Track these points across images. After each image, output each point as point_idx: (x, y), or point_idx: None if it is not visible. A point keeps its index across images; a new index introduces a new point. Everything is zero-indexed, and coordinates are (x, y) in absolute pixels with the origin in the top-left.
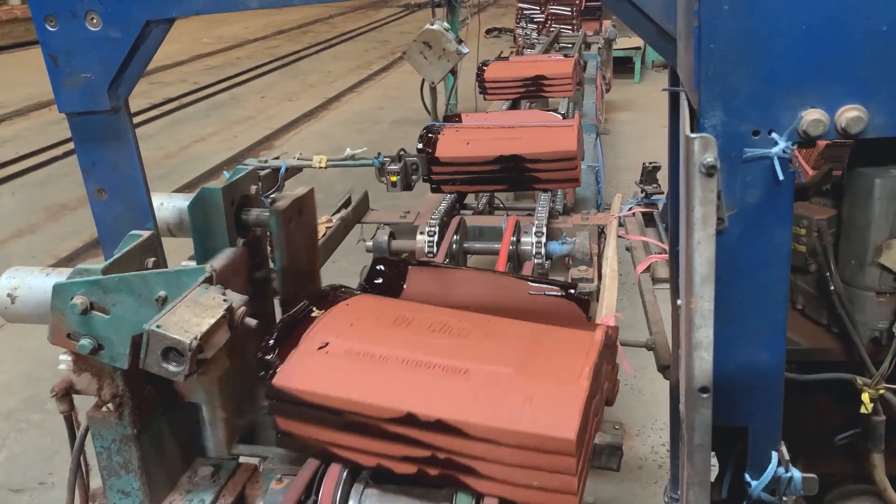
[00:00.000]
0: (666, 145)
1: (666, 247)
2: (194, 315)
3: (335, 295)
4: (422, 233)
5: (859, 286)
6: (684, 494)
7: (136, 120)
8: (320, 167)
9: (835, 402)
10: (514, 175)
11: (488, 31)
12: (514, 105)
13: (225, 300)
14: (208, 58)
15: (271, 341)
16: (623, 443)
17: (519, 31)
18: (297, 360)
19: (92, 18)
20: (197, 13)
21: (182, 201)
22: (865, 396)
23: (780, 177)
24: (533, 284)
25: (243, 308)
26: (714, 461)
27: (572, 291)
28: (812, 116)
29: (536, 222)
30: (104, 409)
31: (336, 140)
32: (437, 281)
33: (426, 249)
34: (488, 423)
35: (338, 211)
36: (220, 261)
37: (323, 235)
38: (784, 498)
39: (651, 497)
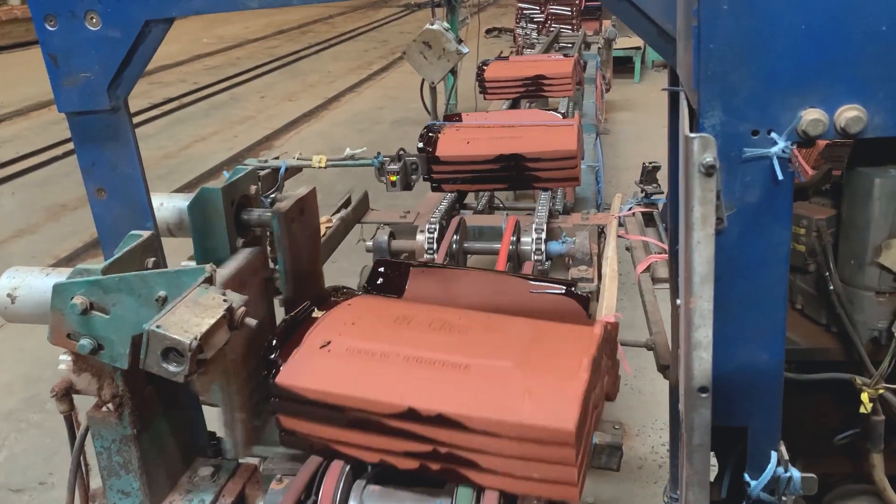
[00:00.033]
0: (665, 145)
1: (666, 246)
2: (194, 315)
3: (336, 296)
4: (422, 232)
5: (859, 286)
6: (684, 494)
7: (136, 120)
8: (320, 167)
9: (834, 402)
10: (515, 174)
11: (488, 31)
12: (514, 105)
13: (225, 300)
14: (208, 58)
15: (274, 341)
16: (623, 443)
17: (519, 30)
18: (300, 358)
19: (91, 18)
20: (196, 13)
21: (182, 201)
22: (864, 396)
23: (780, 176)
24: (534, 283)
25: (243, 308)
26: (713, 461)
27: (573, 289)
28: (811, 116)
29: (536, 222)
30: (104, 409)
31: (336, 140)
32: (438, 282)
33: (426, 249)
34: (488, 415)
35: (338, 211)
36: (235, 262)
37: (323, 235)
38: (783, 498)
39: (651, 497)
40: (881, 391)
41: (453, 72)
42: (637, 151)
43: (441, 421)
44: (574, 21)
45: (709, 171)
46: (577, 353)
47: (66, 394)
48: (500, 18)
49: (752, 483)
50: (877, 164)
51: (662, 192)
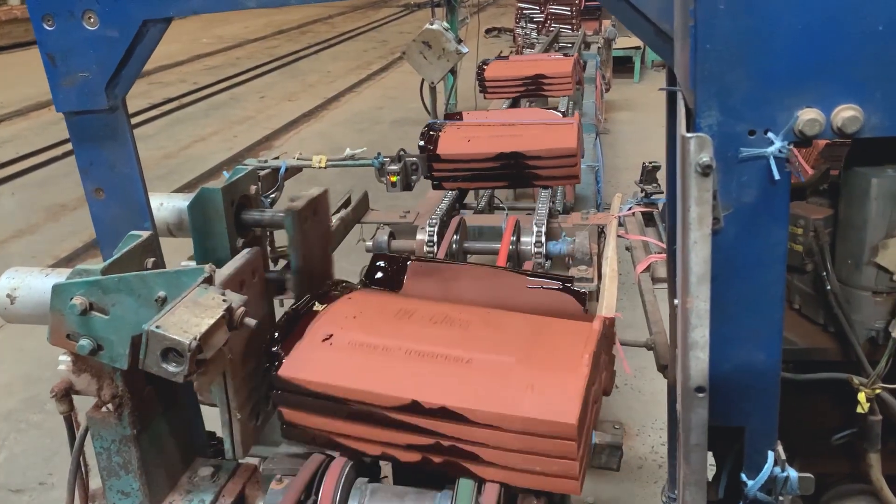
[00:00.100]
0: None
1: (665, 246)
2: (193, 315)
3: (337, 290)
4: (422, 230)
5: (856, 286)
6: (681, 494)
7: (135, 120)
8: (320, 167)
9: (831, 402)
10: (515, 172)
11: (488, 31)
12: (514, 104)
13: (224, 300)
14: (208, 58)
15: (276, 334)
16: (623, 442)
17: (518, 30)
18: (302, 351)
19: (89, 18)
20: (194, 12)
21: (182, 201)
22: (862, 396)
23: (776, 176)
24: (530, 279)
25: (242, 308)
26: (711, 461)
27: (569, 285)
28: (808, 116)
29: (536, 222)
30: (104, 409)
31: (336, 140)
32: (436, 276)
33: (426, 249)
34: (491, 409)
35: (337, 211)
36: (235, 263)
37: None
38: (780, 497)
39: (651, 497)
40: (878, 391)
41: (453, 72)
42: (637, 151)
43: (444, 414)
44: (574, 21)
45: (705, 170)
46: (577, 349)
47: (65, 394)
48: (499, 18)
49: (749, 483)
50: (874, 163)
51: (662, 192)
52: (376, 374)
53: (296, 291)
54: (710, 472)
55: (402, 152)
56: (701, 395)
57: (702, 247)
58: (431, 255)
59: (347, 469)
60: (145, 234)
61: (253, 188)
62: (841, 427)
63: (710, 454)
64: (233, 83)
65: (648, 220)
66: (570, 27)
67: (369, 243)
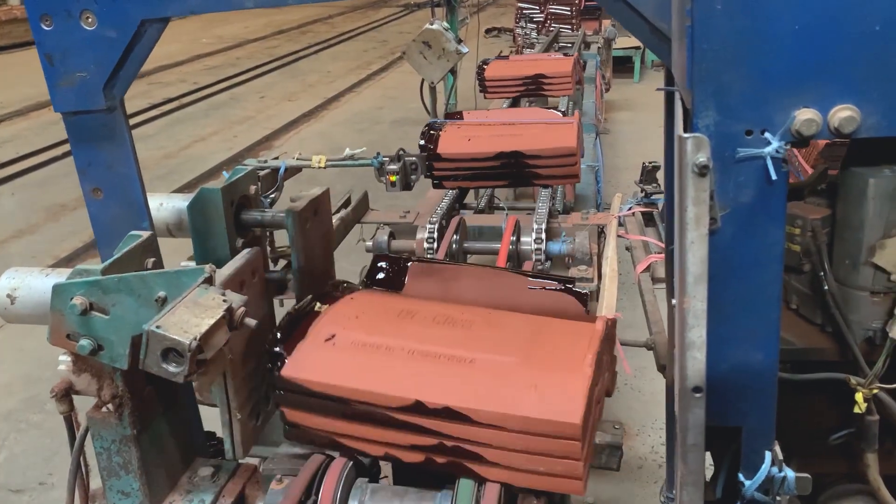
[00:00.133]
0: None
1: (665, 246)
2: (194, 315)
3: (338, 291)
4: (422, 230)
5: (853, 286)
6: (678, 494)
7: (135, 120)
8: (320, 167)
9: (829, 402)
10: (515, 171)
11: (488, 31)
12: (515, 103)
13: (224, 300)
14: (208, 58)
15: (278, 335)
16: (623, 442)
17: (518, 30)
18: (305, 351)
19: (87, 17)
20: (192, 12)
21: (181, 202)
22: (859, 396)
23: (773, 176)
24: (531, 280)
25: (242, 308)
26: (709, 461)
27: (570, 285)
28: (805, 116)
29: (536, 222)
30: (104, 409)
31: (336, 140)
32: (437, 277)
33: (426, 249)
34: (495, 409)
35: (337, 211)
36: (235, 263)
37: None
38: (777, 497)
39: (651, 497)
40: (875, 391)
41: (453, 71)
42: (637, 151)
43: (448, 414)
44: (574, 21)
45: (702, 171)
46: (580, 349)
47: (65, 394)
48: (499, 18)
49: (747, 483)
50: (871, 164)
51: (662, 192)
52: (379, 374)
53: (298, 292)
54: (710, 473)
55: (401, 152)
56: (698, 395)
57: (699, 247)
58: (431, 254)
59: (348, 469)
60: (145, 234)
61: (252, 188)
62: (838, 427)
63: (708, 454)
64: (233, 83)
65: (648, 220)
66: (569, 27)
67: (369, 243)
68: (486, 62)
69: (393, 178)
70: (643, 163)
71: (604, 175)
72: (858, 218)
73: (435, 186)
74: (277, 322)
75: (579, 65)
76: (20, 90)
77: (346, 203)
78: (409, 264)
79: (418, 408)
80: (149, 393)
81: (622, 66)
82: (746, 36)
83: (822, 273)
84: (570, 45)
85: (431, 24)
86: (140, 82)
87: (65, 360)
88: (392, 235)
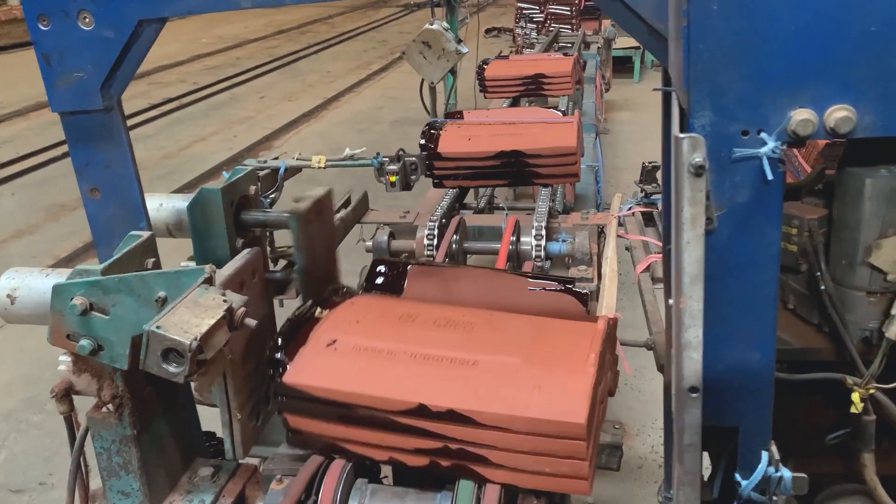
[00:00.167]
0: None
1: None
2: (194, 316)
3: (338, 296)
4: (422, 231)
5: (850, 286)
6: (675, 494)
7: (135, 120)
8: (319, 167)
9: (825, 402)
10: (515, 170)
11: (487, 31)
12: (515, 103)
13: (224, 301)
14: (208, 58)
15: (279, 341)
16: (623, 442)
17: (518, 30)
18: (307, 357)
19: (84, 18)
20: (189, 13)
21: (181, 202)
22: (856, 396)
23: (770, 177)
24: (531, 281)
25: (243, 309)
26: (707, 461)
27: (570, 286)
28: (801, 116)
29: (536, 222)
30: (104, 409)
31: (335, 140)
32: (437, 281)
33: (426, 249)
34: (500, 410)
35: (337, 211)
36: (235, 263)
37: None
38: (774, 497)
39: (651, 497)
40: (872, 391)
41: (453, 72)
42: (637, 151)
43: (452, 417)
44: (573, 21)
45: (698, 171)
46: (582, 349)
47: (65, 394)
48: (499, 18)
49: (743, 483)
50: (868, 164)
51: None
52: (382, 378)
53: (302, 293)
54: (706, 472)
55: (401, 152)
56: (694, 395)
57: (695, 247)
58: (431, 254)
59: (348, 469)
60: (145, 234)
61: (252, 188)
62: (835, 427)
63: (706, 454)
64: (233, 83)
65: (648, 220)
66: (569, 27)
67: (369, 243)
68: (486, 62)
69: (393, 179)
70: (643, 163)
71: (604, 175)
72: (855, 218)
73: (435, 185)
74: (278, 323)
75: (579, 64)
76: (20, 90)
77: (346, 203)
78: (408, 268)
79: (422, 411)
80: (149, 393)
81: (622, 66)
82: (742, 36)
83: (818, 273)
84: (569, 45)
85: (431, 25)
86: (140, 82)
87: (65, 360)
88: (392, 235)
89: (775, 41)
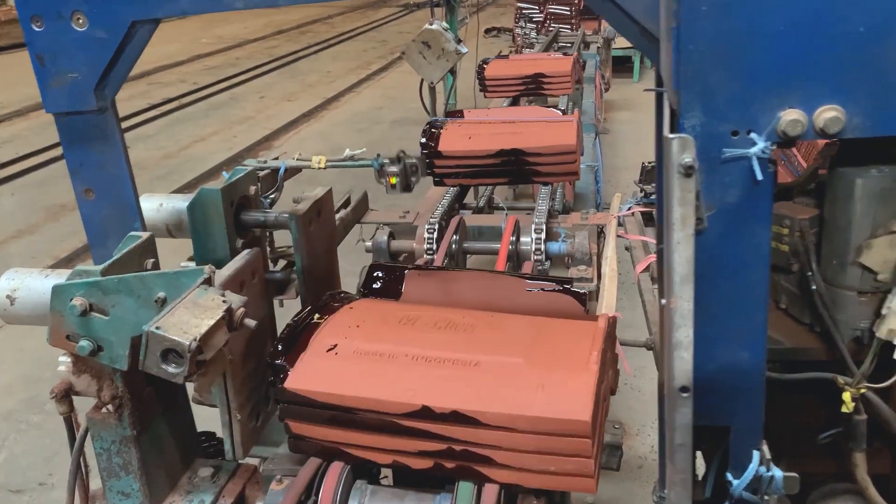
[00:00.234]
0: None
1: None
2: (193, 316)
3: (337, 301)
4: (421, 230)
5: (841, 286)
6: (668, 493)
7: (135, 120)
8: (319, 168)
9: (817, 402)
10: (515, 168)
11: (487, 31)
12: (514, 103)
13: (224, 301)
14: (207, 58)
15: (279, 347)
16: (623, 442)
17: (518, 30)
18: (308, 362)
19: (78, 19)
20: (183, 13)
21: (181, 202)
22: (847, 396)
23: (759, 177)
24: (529, 282)
25: (242, 309)
26: (701, 460)
27: (568, 286)
28: (790, 117)
29: (536, 222)
30: (104, 410)
31: (335, 140)
32: (434, 284)
33: (426, 249)
34: (503, 410)
35: (337, 211)
36: (235, 264)
37: None
38: (766, 497)
39: (651, 497)
40: (863, 390)
41: (452, 71)
42: (636, 151)
43: (456, 418)
44: (573, 20)
45: (688, 171)
46: (584, 347)
47: (65, 395)
48: (499, 18)
49: (735, 482)
50: (859, 164)
51: None
52: (384, 381)
53: (302, 293)
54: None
55: (401, 153)
56: (685, 394)
57: (685, 247)
58: (430, 253)
59: (347, 470)
60: (145, 234)
61: (252, 189)
62: (826, 426)
63: (699, 454)
64: (232, 83)
65: (648, 219)
66: (569, 27)
67: (369, 243)
68: (485, 62)
69: (393, 180)
70: (642, 163)
71: (603, 175)
72: (846, 218)
73: (436, 184)
74: (277, 323)
75: (579, 64)
76: (20, 90)
77: (346, 203)
78: (405, 272)
79: (425, 413)
80: (148, 394)
81: (621, 65)
82: (732, 37)
83: (810, 273)
84: (569, 44)
85: (431, 25)
86: (140, 82)
87: (65, 360)
88: (392, 235)
89: (764, 42)
